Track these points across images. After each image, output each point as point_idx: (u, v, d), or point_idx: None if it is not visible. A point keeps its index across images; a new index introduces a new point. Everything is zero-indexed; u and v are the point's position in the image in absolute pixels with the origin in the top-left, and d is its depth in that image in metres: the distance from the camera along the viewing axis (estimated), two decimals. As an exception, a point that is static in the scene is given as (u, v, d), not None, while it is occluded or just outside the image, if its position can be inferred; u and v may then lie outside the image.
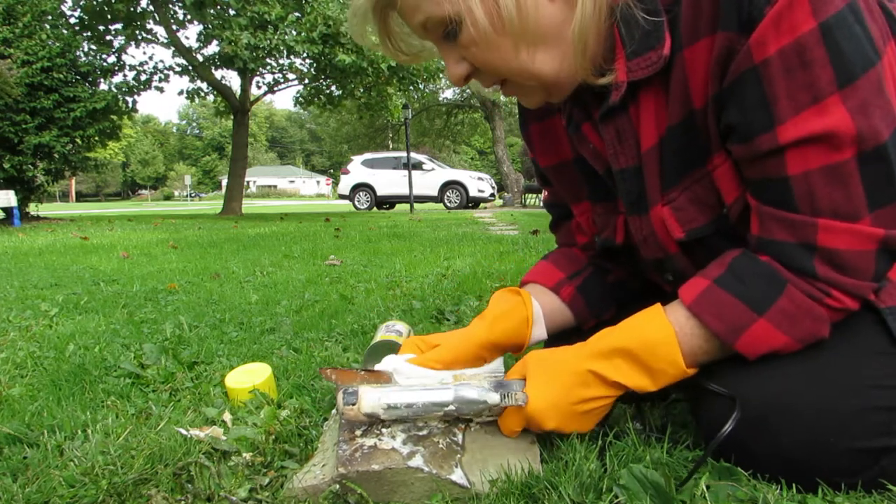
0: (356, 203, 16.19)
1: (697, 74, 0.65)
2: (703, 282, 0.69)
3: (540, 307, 0.91)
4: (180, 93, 12.43)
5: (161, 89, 11.87)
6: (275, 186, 64.45)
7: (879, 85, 0.58)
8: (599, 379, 0.71)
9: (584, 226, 0.95)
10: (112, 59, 10.95)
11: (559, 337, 0.94)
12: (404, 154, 14.94)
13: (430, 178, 15.78)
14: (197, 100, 12.75)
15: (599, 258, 0.97)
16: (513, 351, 0.88)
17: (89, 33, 10.62)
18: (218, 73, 12.17)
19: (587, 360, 0.72)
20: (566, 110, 0.82)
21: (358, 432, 0.76)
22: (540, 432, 0.76)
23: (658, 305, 0.72)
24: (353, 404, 0.73)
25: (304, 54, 10.29)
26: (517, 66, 0.68)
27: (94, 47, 10.79)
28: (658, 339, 0.69)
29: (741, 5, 0.59)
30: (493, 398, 0.73)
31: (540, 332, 0.90)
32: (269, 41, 9.65)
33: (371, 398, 0.74)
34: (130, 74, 11.32)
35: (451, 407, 0.74)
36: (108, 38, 11.06)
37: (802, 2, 0.56)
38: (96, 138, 9.86)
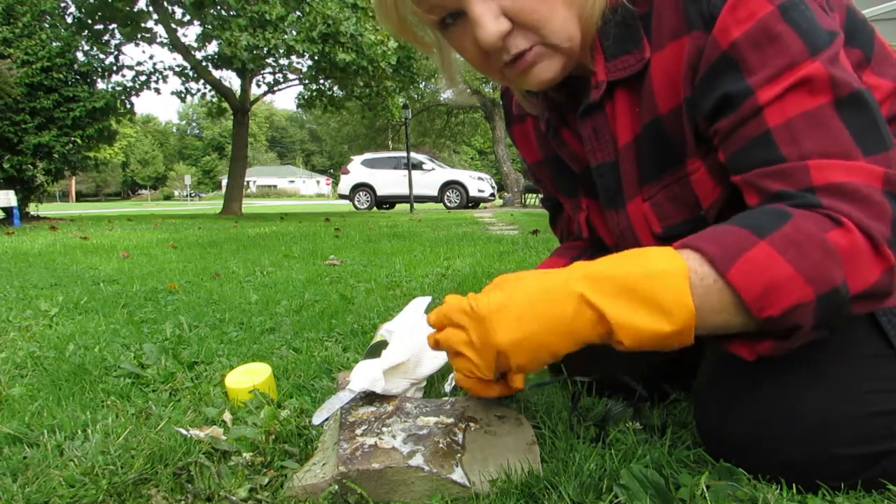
0: (356, 203, 16.19)
1: (660, 80, 0.68)
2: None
3: None
4: (174, 93, 12.45)
5: (158, 90, 11.90)
6: (275, 186, 64.47)
7: (843, 56, 0.60)
8: (586, 304, 0.58)
9: (570, 215, 0.99)
10: (110, 59, 10.96)
11: None
12: (404, 154, 14.94)
13: (430, 178, 15.78)
14: (196, 100, 12.77)
15: (594, 243, 0.99)
16: None
17: (87, 32, 10.62)
18: (217, 73, 12.19)
19: (574, 280, 0.60)
20: (544, 118, 0.84)
21: (358, 431, 0.76)
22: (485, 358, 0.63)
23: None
24: None
25: (305, 54, 10.30)
26: (561, 21, 0.66)
27: (93, 47, 10.79)
28: (663, 267, 0.57)
29: (701, 5, 0.62)
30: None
31: None
32: (267, 41, 9.64)
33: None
34: (129, 75, 11.37)
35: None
36: (106, 38, 11.07)
37: None
38: (96, 138, 9.86)
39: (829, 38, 0.59)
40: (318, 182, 65.02)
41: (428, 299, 1.20)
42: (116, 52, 11.15)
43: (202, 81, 12.22)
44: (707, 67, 0.63)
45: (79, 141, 9.61)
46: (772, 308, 0.56)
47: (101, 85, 10.58)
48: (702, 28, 0.63)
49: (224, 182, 19.27)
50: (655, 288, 0.56)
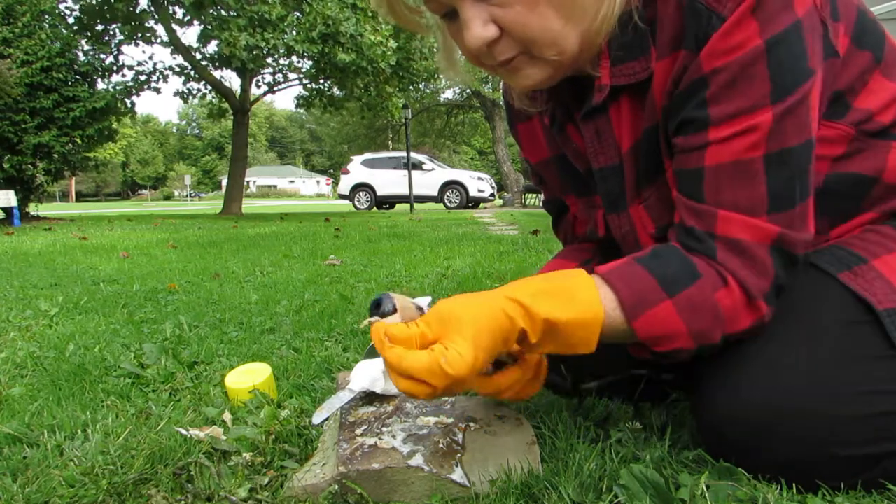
0: (356, 203, 16.19)
1: (660, 88, 0.69)
2: (625, 259, 0.70)
3: None
4: (176, 93, 12.44)
5: (158, 90, 11.89)
6: (275, 186, 64.46)
7: (806, 99, 0.62)
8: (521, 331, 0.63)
9: (578, 216, 0.98)
10: (110, 59, 10.96)
11: None
12: (404, 154, 14.94)
13: (430, 178, 15.79)
14: (196, 100, 12.77)
15: (602, 246, 0.98)
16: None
17: (88, 33, 10.62)
18: (217, 73, 12.20)
19: (511, 309, 0.64)
20: (549, 112, 0.84)
21: (358, 431, 0.76)
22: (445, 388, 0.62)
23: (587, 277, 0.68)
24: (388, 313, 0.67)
25: (304, 54, 10.30)
26: (551, 34, 0.66)
27: (93, 47, 10.79)
28: (583, 317, 0.64)
29: (700, 25, 0.63)
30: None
31: None
32: (266, 41, 9.64)
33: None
34: (129, 75, 11.36)
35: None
36: (107, 38, 11.07)
37: (750, 21, 0.60)
38: (96, 138, 9.86)
39: (803, 79, 0.61)
40: (318, 182, 65.00)
41: (428, 299, 1.20)
42: (117, 52, 11.16)
43: (203, 82, 12.22)
44: (686, 85, 0.65)
45: (79, 141, 9.61)
46: (660, 347, 0.67)
47: (101, 85, 10.60)
48: (693, 49, 0.64)
49: (224, 182, 19.28)
50: (574, 333, 0.65)
